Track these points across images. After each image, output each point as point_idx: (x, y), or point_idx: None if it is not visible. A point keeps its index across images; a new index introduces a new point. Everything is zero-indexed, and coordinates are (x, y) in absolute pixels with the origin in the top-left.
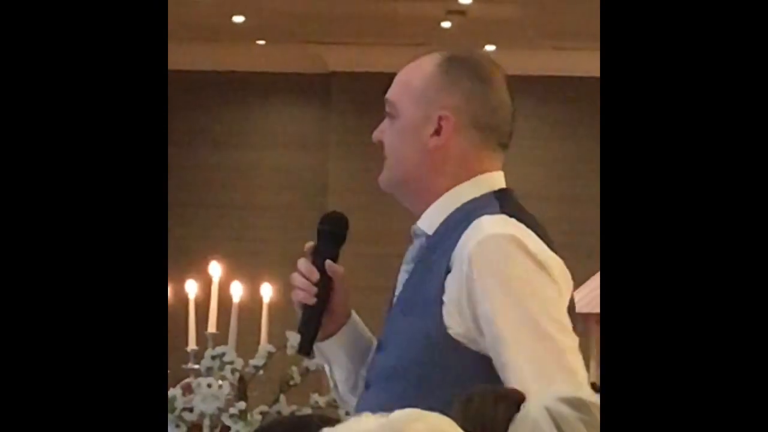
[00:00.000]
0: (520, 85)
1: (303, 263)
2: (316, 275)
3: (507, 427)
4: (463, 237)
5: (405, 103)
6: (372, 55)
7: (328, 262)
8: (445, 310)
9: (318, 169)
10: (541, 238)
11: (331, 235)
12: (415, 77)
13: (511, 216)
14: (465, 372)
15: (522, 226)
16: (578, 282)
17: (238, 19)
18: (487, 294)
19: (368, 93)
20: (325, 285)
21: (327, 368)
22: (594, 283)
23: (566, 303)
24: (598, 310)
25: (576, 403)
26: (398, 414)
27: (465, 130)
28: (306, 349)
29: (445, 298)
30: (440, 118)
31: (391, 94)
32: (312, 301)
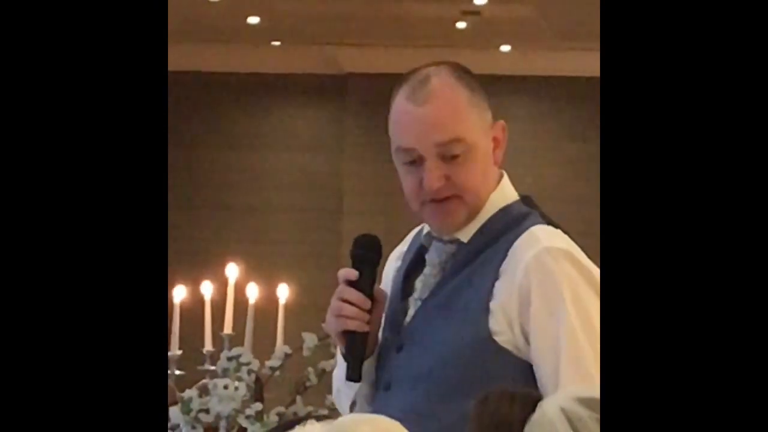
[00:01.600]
0: (535, 85)
1: (350, 292)
2: (368, 303)
3: (522, 427)
4: (516, 247)
5: (470, 132)
6: (387, 57)
7: (377, 288)
8: (491, 317)
9: (333, 170)
10: None
11: (369, 259)
12: (458, 106)
13: (553, 226)
14: (505, 377)
15: (568, 239)
16: None
17: (253, 20)
18: (543, 306)
19: (383, 94)
20: (370, 310)
21: (352, 387)
22: None
23: None
24: None
25: (592, 404)
26: (345, 418)
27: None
28: (357, 374)
29: (492, 304)
30: (494, 128)
31: (455, 133)
32: (366, 328)
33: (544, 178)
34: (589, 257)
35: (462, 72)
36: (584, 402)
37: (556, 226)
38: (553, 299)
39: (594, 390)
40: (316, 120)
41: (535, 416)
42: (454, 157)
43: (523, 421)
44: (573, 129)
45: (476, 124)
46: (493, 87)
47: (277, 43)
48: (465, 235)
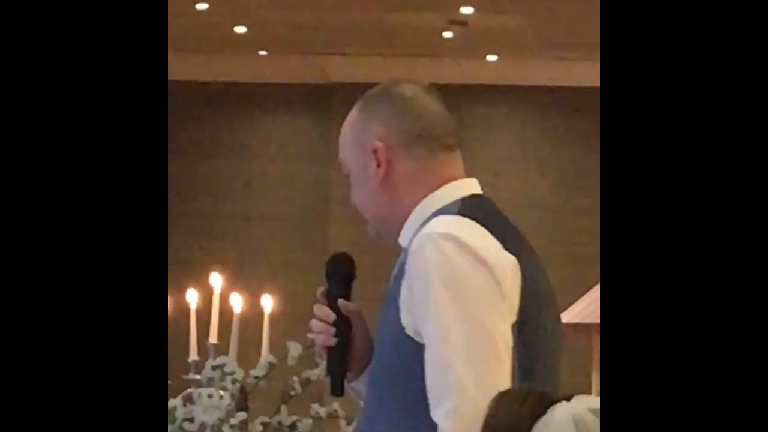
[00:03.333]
0: (521, 95)
1: (318, 308)
2: (332, 317)
3: (531, 425)
4: (413, 240)
5: (348, 156)
6: (374, 66)
7: (340, 300)
8: (400, 312)
9: (320, 179)
10: (507, 241)
11: (340, 276)
12: (345, 131)
13: (465, 216)
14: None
15: (473, 224)
16: (580, 292)
17: (240, 29)
18: (418, 290)
19: None
20: (342, 324)
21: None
22: (596, 293)
23: (507, 303)
24: (599, 320)
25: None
26: None
27: (401, 150)
28: (338, 389)
29: (399, 300)
30: (374, 152)
31: (340, 154)
32: (333, 342)
33: (529, 186)
34: (576, 265)
35: (370, 94)
36: (597, 413)
37: (491, 221)
38: (422, 279)
39: (462, 405)
40: (302, 129)
41: (545, 418)
42: (347, 176)
43: (533, 419)
44: (559, 138)
45: (350, 146)
46: (479, 96)
47: (264, 53)
48: (406, 241)
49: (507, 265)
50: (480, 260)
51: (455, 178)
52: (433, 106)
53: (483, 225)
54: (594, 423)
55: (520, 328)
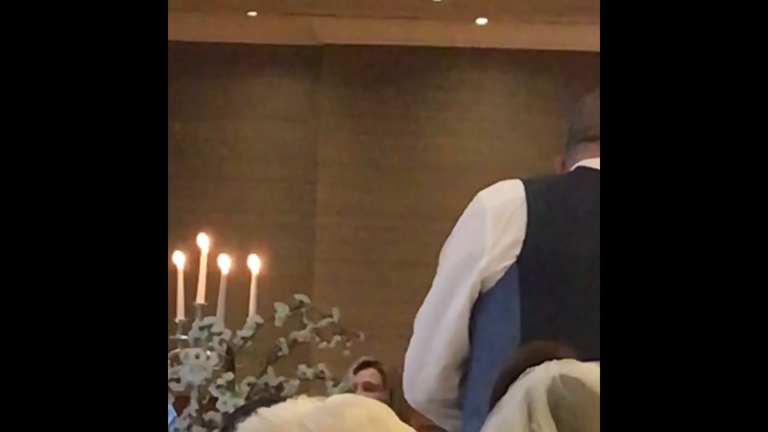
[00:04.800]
0: (511, 58)
1: None
2: None
3: (506, 385)
4: None
5: None
6: (364, 28)
7: None
8: None
9: (308, 141)
10: (555, 202)
11: None
12: None
13: (523, 180)
14: None
15: (511, 183)
16: None
17: None
18: None
19: (359, 66)
20: None
21: None
22: None
23: (499, 239)
24: None
25: (571, 383)
26: (335, 398)
27: (566, 147)
28: None
29: None
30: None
31: None
32: None
33: (519, 150)
34: None
35: None
36: (569, 381)
37: (545, 184)
38: None
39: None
40: (291, 91)
41: (523, 379)
42: None
43: (509, 380)
44: (549, 103)
45: None
46: (469, 60)
47: (254, 14)
48: None
49: (508, 206)
50: (480, 207)
51: (583, 159)
52: (588, 103)
53: (530, 184)
54: (546, 395)
55: (526, 262)
